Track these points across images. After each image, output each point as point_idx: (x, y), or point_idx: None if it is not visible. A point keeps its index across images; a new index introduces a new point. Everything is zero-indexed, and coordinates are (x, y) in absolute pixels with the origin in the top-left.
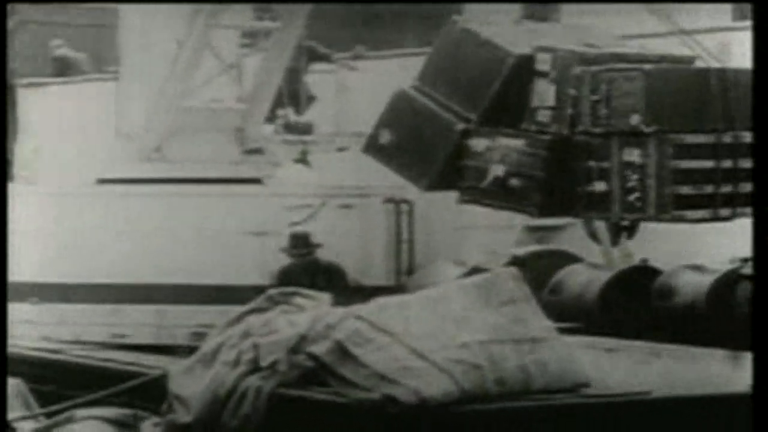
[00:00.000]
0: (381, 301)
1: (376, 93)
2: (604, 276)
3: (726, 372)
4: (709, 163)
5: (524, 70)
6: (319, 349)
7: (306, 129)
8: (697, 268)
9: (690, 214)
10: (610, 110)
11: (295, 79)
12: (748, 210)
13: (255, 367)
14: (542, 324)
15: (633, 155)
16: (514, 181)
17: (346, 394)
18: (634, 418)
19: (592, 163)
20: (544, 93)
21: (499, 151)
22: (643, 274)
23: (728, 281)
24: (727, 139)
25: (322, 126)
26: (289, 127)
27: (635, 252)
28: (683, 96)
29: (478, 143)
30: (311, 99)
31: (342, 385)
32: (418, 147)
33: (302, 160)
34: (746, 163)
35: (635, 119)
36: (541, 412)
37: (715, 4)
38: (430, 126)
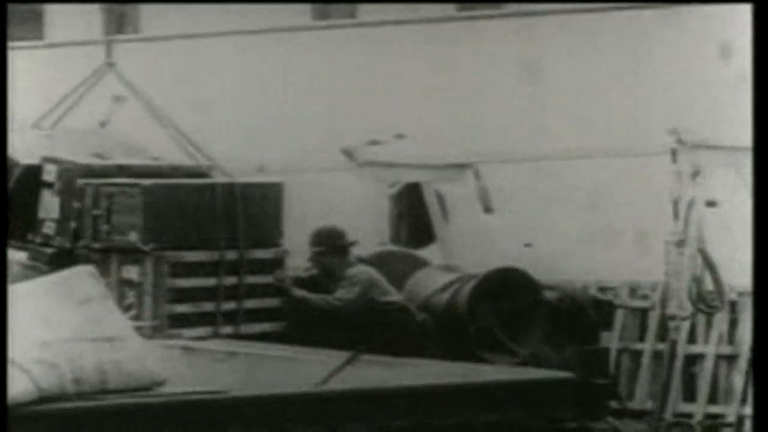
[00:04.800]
0: None
1: None
2: None
3: (310, 371)
4: (210, 281)
5: (33, 180)
6: None
7: None
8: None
9: (187, 332)
10: (110, 226)
11: None
12: (255, 326)
13: None
14: (119, 323)
15: (131, 273)
16: None
17: None
18: (210, 416)
19: None
20: (50, 204)
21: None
22: None
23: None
24: (231, 256)
25: None
26: None
27: None
28: (186, 212)
29: None
30: None
31: None
32: None
33: None
34: (252, 279)
35: (133, 236)
36: (117, 411)
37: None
38: None
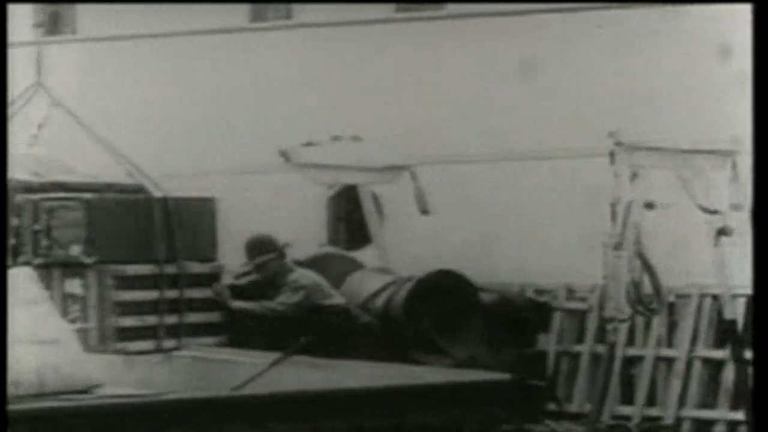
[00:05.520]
0: None
1: None
2: None
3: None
4: (152, 294)
5: None
6: None
7: None
8: None
9: (132, 346)
10: (51, 240)
11: None
12: (194, 340)
13: None
14: (57, 325)
15: (74, 286)
16: None
17: None
18: (147, 418)
19: None
20: None
21: None
22: None
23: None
24: (170, 269)
25: None
26: None
27: None
28: (126, 226)
29: None
30: None
31: None
32: None
33: None
34: (192, 293)
35: (75, 250)
36: (54, 413)
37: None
38: None
